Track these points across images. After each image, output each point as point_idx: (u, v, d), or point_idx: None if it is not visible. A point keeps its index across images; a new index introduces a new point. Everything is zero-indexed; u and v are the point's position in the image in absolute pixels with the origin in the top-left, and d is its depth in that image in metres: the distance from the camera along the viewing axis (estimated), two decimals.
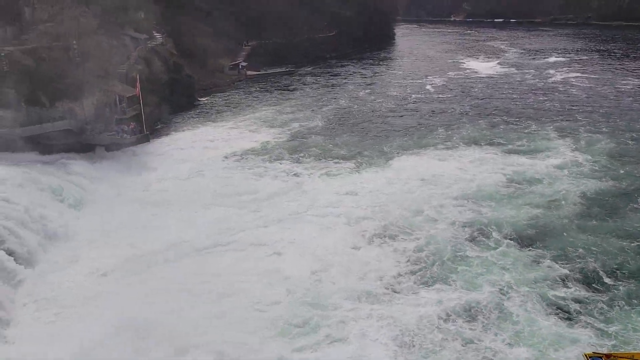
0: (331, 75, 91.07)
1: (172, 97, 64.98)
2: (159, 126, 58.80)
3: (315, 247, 31.32)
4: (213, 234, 33.60)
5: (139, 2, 64.76)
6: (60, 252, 32.01)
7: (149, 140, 49.71)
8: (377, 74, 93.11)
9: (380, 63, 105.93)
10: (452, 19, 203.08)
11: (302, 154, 49.08)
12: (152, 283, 27.83)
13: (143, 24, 65.28)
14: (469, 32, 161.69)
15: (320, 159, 47.66)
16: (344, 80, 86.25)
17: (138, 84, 48.92)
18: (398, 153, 48.50)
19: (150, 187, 42.61)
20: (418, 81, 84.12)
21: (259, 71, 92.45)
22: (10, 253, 29.05)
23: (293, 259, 30.21)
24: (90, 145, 46.20)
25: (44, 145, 43.62)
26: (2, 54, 42.50)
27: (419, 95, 73.51)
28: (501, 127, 55.59)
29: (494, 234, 32.39)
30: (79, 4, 47.11)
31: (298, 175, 43.99)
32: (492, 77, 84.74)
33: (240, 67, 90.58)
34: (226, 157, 49.37)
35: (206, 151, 51.40)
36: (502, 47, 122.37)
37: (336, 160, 47.26)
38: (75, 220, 35.95)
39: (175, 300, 26.01)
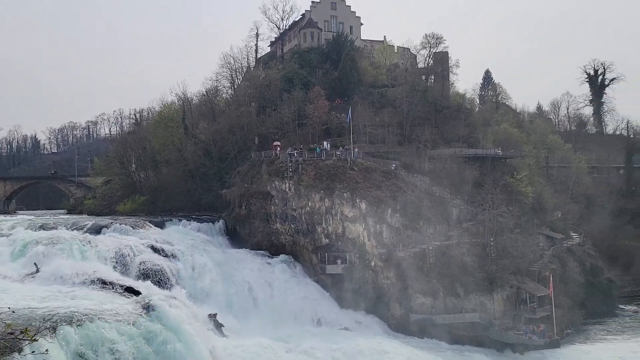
0: None
1: (588, 302, 59.14)
2: (570, 331, 53.35)
3: None
4: None
5: (557, 203, 65.04)
6: None
7: (559, 346, 45.40)
8: None
9: None
10: None
11: None
12: None
13: (559, 223, 64.48)
14: None
15: None
16: None
17: (551, 284, 46.91)
18: None
19: None
20: None
21: None
22: None
23: None
24: (496, 341, 45.39)
25: (453, 335, 45.52)
26: (430, 248, 48.50)
27: None
28: None
29: None
30: (500, 205, 50.80)
31: None
32: None
33: None
34: None
35: None
36: None
37: None
38: None
39: None
